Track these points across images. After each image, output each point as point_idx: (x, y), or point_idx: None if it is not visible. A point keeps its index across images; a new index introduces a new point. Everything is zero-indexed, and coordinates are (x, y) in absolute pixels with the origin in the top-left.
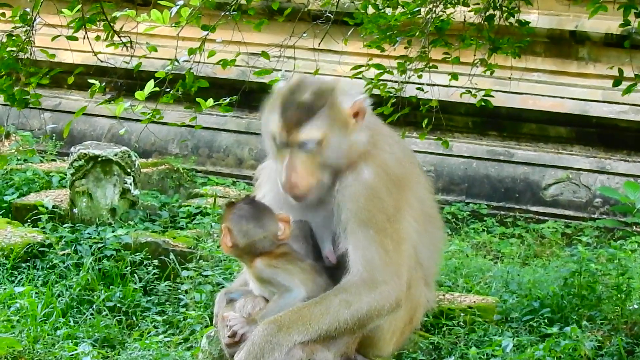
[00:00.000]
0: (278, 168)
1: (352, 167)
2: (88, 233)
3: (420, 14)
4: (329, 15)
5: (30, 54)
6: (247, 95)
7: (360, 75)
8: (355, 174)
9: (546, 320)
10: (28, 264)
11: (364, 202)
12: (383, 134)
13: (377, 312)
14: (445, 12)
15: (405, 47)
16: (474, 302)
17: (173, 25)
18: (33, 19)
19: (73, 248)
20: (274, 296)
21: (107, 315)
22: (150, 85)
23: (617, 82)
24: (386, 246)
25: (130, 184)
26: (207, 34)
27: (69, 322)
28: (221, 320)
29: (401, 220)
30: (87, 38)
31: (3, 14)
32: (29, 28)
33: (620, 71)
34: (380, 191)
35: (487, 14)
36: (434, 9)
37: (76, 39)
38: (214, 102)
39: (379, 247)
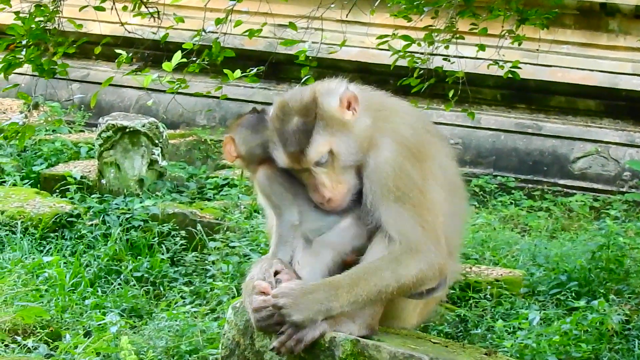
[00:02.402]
0: (307, 184)
1: (368, 148)
2: (116, 204)
3: None
4: None
5: (58, 24)
6: (275, 67)
7: (386, 46)
8: (375, 155)
9: (573, 294)
10: (56, 234)
11: (392, 181)
12: (391, 107)
13: (422, 281)
14: None
15: (432, 18)
16: (501, 275)
17: None
18: None
19: (101, 218)
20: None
21: (134, 285)
22: (177, 56)
23: None
24: (424, 216)
25: (158, 155)
26: (234, 5)
27: (97, 292)
28: (250, 287)
29: (431, 190)
30: (115, 9)
31: None
32: None
33: None
34: (405, 166)
35: None
36: None
37: (104, 9)
38: (241, 73)
39: (418, 218)
